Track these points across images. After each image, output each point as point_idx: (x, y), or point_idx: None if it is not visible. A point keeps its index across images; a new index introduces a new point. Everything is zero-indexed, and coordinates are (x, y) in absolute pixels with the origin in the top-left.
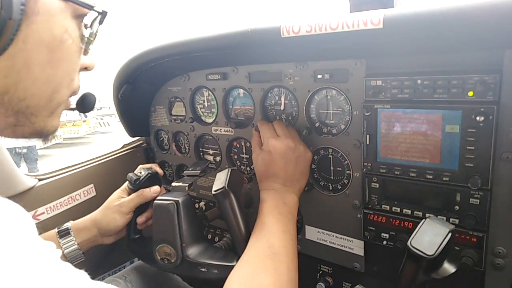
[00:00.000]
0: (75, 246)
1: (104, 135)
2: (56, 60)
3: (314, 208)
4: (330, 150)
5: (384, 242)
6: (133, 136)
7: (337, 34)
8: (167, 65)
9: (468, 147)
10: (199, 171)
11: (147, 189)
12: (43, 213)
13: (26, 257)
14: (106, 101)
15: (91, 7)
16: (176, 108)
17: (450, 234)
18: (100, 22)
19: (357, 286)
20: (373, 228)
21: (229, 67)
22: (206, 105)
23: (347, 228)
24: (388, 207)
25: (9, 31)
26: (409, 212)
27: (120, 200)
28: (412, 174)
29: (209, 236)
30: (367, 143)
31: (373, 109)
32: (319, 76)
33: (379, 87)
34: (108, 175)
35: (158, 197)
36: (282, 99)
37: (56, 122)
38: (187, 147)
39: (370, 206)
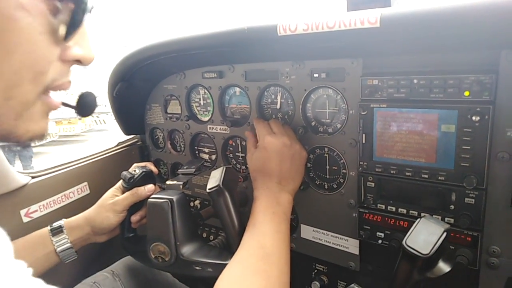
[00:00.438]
0: (68, 244)
1: (100, 133)
2: (4, 44)
3: (310, 207)
4: (326, 149)
5: (379, 241)
6: (128, 134)
7: (334, 33)
8: (163, 63)
9: (463, 147)
10: (194, 170)
11: (142, 188)
12: (36, 210)
13: None
14: (101, 99)
15: None
16: (171, 106)
17: (445, 234)
18: None
19: (352, 285)
20: (369, 227)
21: (225, 65)
22: (202, 103)
23: (342, 227)
24: (383, 206)
25: None
26: (404, 211)
27: (114, 199)
28: (407, 174)
29: (204, 235)
30: (363, 142)
31: (369, 108)
32: (316, 75)
33: (375, 86)
34: (102, 173)
35: (153, 195)
36: (279, 97)
37: (34, 126)
38: (182, 145)
39: (365, 205)
